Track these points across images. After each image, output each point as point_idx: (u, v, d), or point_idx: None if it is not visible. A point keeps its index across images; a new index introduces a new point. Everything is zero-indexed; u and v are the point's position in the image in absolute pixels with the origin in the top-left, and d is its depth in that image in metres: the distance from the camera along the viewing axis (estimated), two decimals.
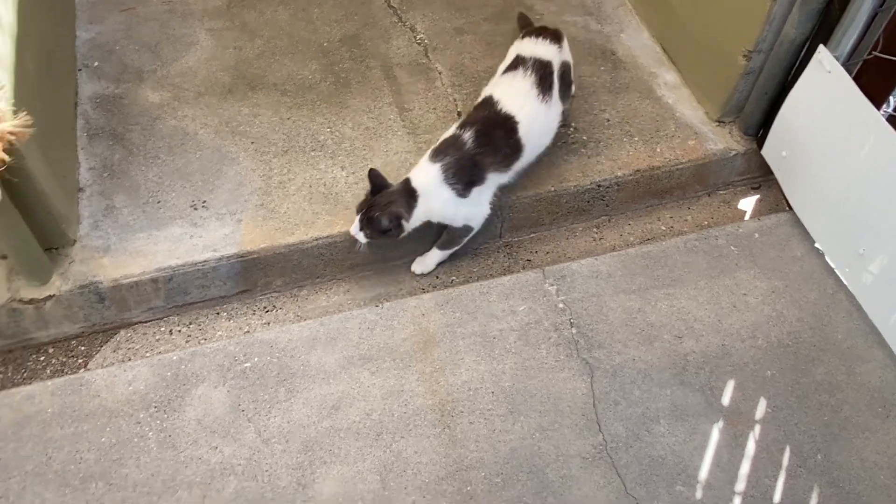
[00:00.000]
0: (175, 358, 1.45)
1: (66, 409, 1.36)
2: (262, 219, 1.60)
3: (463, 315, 1.54)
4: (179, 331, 1.55)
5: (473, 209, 1.56)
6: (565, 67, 1.68)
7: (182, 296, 1.56)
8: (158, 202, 1.60)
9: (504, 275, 1.64)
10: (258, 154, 1.71)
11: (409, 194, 1.49)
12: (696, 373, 1.47)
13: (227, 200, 1.62)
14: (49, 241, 1.47)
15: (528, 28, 1.76)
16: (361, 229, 1.48)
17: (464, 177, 1.51)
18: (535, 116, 1.57)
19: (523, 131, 1.54)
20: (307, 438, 1.36)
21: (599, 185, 1.71)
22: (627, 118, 1.82)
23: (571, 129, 1.78)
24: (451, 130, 1.56)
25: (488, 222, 1.61)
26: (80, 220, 1.56)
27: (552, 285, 1.60)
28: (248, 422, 1.37)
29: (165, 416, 1.38)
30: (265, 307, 1.60)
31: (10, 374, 1.47)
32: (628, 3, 2.11)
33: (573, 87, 1.77)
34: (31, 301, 1.46)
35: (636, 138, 1.78)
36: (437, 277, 1.65)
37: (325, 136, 1.76)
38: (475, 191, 1.53)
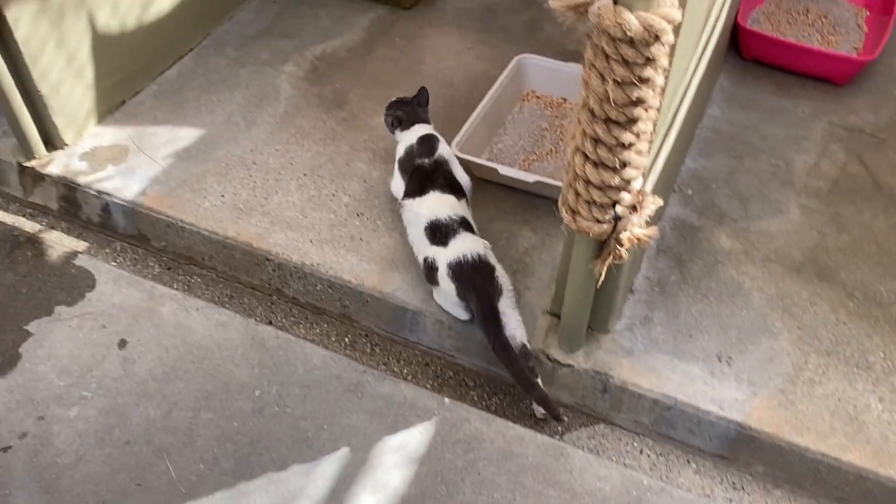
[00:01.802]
0: (645, 482, 1.50)
1: (542, 466, 1.52)
2: (778, 404, 1.56)
3: None
4: (648, 455, 1.61)
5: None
6: None
7: (668, 427, 1.61)
8: (690, 336, 1.69)
9: None
10: (800, 342, 1.68)
11: (411, 121, 1.92)
12: None
13: (751, 368, 1.63)
14: (593, 322, 1.66)
15: None
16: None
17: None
18: None
19: None
20: None
21: None
22: None
23: None
24: None
25: None
26: (620, 316, 1.73)
27: None
28: None
29: None
30: (733, 482, 1.56)
31: (504, 405, 1.70)
32: None
33: None
34: (553, 360, 1.67)
35: None
36: None
37: (876, 358, 1.64)
38: None
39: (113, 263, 1.93)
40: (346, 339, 1.83)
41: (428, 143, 1.88)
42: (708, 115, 2.24)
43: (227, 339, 1.73)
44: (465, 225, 1.71)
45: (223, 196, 1.99)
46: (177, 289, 1.89)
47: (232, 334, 1.74)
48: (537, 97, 2.25)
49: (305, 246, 1.88)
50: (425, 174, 1.81)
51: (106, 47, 2.12)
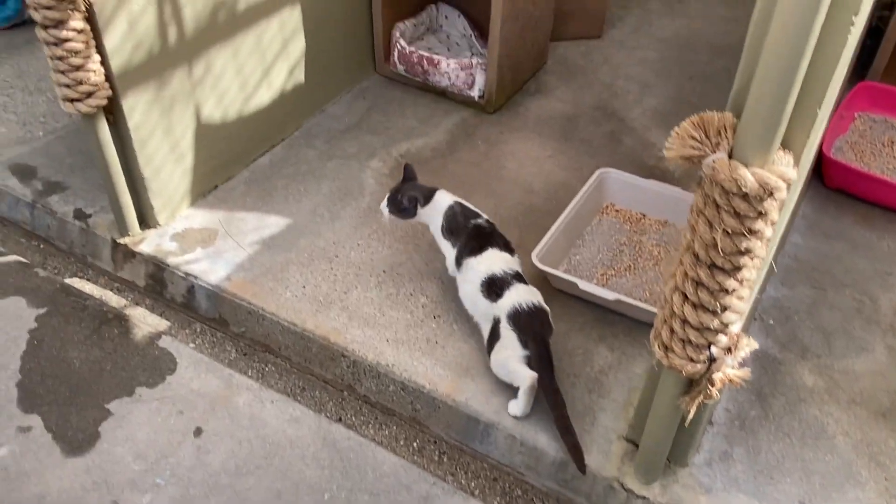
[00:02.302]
0: None
1: None
2: None
3: None
4: None
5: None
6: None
7: None
8: (771, 478, 1.63)
9: None
10: (887, 494, 1.60)
11: (429, 193, 1.95)
12: None
13: None
14: (671, 454, 1.61)
15: None
16: (387, 205, 1.96)
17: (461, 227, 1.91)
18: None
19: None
20: None
21: None
22: None
23: None
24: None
25: None
26: (698, 449, 1.69)
27: None
28: None
29: None
30: None
31: None
32: None
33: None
34: (628, 489, 1.62)
35: None
36: None
37: None
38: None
39: (192, 345, 1.98)
40: (415, 444, 1.81)
41: (465, 206, 1.96)
42: (790, 242, 2.23)
43: (300, 437, 1.73)
44: (518, 278, 1.83)
45: (304, 287, 2.04)
46: (251, 376, 1.91)
47: (304, 431, 1.75)
48: (616, 211, 2.27)
49: (381, 345, 1.90)
50: (485, 233, 1.90)
51: (207, 135, 2.24)
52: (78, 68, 1.81)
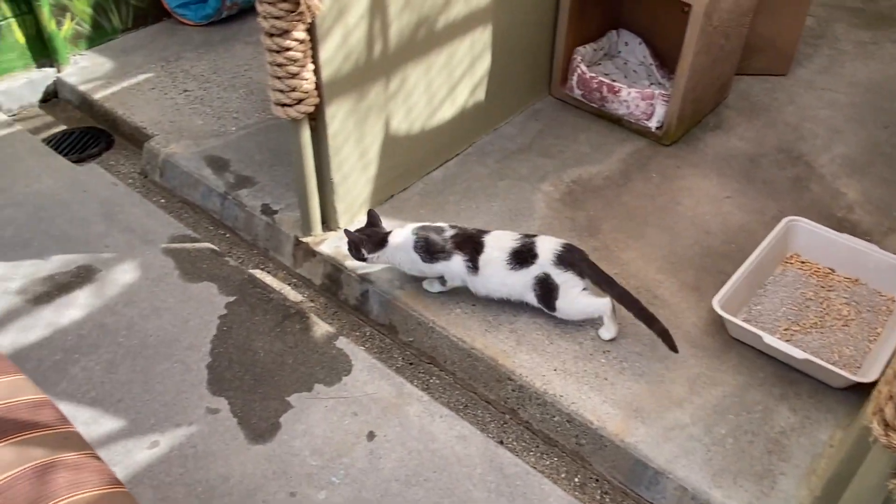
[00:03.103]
0: None
1: None
2: None
3: None
4: None
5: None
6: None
7: None
8: None
9: None
10: None
11: (381, 238, 2.01)
12: None
13: None
14: None
15: None
16: (348, 248, 2.04)
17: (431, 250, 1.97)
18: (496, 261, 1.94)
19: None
20: None
21: None
22: None
23: None
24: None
25: None
26: None
27: None
28: None
29: None
30: None
31: None
32: None
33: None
34: None
35: None
36: None
37: None
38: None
39: (361, 348, 2.04)
40: (577, 480, 1.79)
41: (426, 227, 2.01)
42: None
43: (467, 455, 1.75)
44: (528, 236, 1.97)
45: (474, 305, 2.06)
46: (416, 385, 1.95)
47: (472, 451, 1.76)
48: (802, 262, 2.16)
49: (549, 374, 1.89)
50: (466, 232, 2.00)
51: (391, 147, 2.31)
52: (294, 76, 1.92)
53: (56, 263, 2.18)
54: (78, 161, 2.70)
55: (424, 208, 2.38)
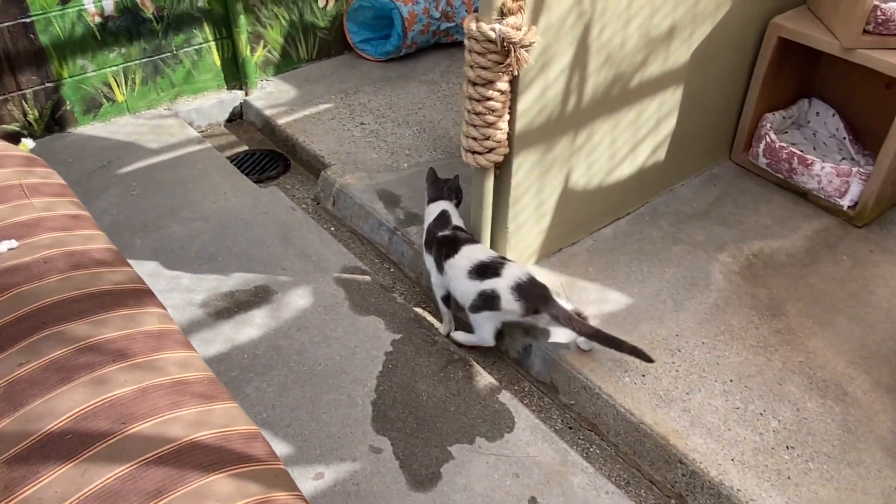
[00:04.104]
0: None
1: None
2: None
3: None
4: None
5: None
6: None
7: None
8: None
9: None
10: None
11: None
12: None
13: None
14: None
15: None
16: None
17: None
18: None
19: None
20: None
21: None
22: None
23: None
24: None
25: None
26: None
27: None
28: None
29: None
30: None
31: None
32: None
33: None
34: None
35: None
36: None
37: None
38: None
39: (523, 405, 1.99)
40: None
41: (451, 216, 2.20)
42: None
43: None
44: (506, 260, 2.04)
45: (643, 376, 1.97)
46: (578, 453, 1.88)
47: None
48: None
49: (726, 463, 1.77)
50: (453, 240, 2.10)
51: (567, 200, 2.27)
52: (490, 125, 1.92)
53: (237, 280, 2.28)
54: (258, 181, 2.83)
55: (593, 266, 2.32)
